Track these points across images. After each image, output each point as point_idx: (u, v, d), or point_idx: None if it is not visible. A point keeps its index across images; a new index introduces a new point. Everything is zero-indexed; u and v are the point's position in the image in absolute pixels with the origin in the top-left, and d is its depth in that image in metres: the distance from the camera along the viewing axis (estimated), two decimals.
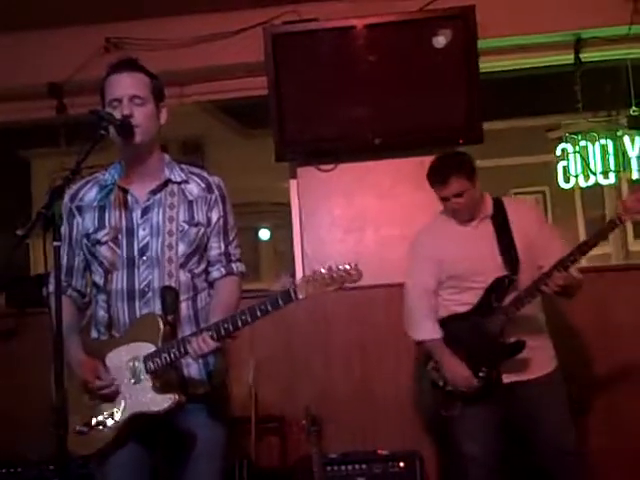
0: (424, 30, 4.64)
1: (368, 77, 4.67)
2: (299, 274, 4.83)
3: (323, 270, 2.46)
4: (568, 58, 4.95)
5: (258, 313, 2.50)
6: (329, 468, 4.16)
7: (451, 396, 3.62)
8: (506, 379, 3.56)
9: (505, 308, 3.52)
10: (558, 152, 6.15)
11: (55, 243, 2.29)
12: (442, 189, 3.59)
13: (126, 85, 2.64)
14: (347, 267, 2.47)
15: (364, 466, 4.19)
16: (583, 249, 3.36)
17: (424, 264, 3.74)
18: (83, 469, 2.67)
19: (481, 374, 3.54)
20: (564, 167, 6.15)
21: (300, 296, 2.46)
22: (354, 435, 4.51)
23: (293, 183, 4.95)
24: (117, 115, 2.60)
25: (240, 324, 2.51)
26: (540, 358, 3.60)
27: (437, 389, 3.68)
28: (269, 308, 2.49)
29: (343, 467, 4.19)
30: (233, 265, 2.79)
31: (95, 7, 4.64)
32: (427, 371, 3.72)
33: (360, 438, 4.49)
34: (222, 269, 2.77)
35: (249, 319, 2.50)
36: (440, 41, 4.61)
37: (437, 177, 3.62)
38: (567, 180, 6.17)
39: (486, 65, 4.74)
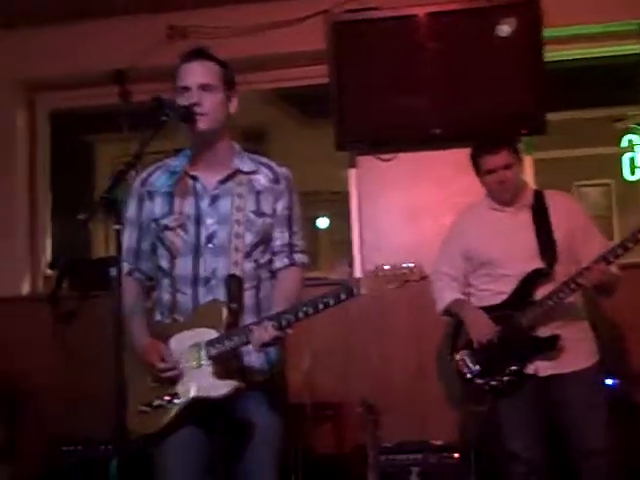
0: (488, 19, 4.60)
1: (429, 66, 4.65)
2: (357, 263, 4.85)
3: (386, 267, 2.48)
4: (635, 48, 4.85)
5: (320, 306, 2.52)
6: (384, 457, 4.14)
7: (481, 390, 3.54)
8: (542, 372, 3.44)
9: (541, 302, 3.42)
10: (624, 143, 6.04)
11: (115, 227, 2.33)
12: (491, 159, 3.52)
13: (196, 73, 2.67)
14: (410, 265, 2.48)
15: (419, 456, 4.17)
16: (626, 245, 3.29)
17: (450, 252, 3.71)
18: (143, 449, 2.71)
19: (513, 368, 3.45)
20: (630, 159, 6.04)
21: (362, 292, 2.49)
22: (410, 426, 4.50)
23: (352, 172, 4.96)
24: (184, 102, 2.62)
25: (301, 315, 2.53)
26: (578, 351, 3.45)
27: (465, 382, 3.59)
28: (331, 302, 2.51)
29: (398, 456, 4.18)
30: (296, 256, 2.80)
31: None
32: (455, 362, 3.62)
33: (417, 429, 4.48)
34: (285, 259, 2.79)
35: (310, 311, 2.52)
36: (504, 30, 4.56)
37: (488, 146, 3.55)
38: (633, 172, 6.06)
39: (551, 54, 4.66)
